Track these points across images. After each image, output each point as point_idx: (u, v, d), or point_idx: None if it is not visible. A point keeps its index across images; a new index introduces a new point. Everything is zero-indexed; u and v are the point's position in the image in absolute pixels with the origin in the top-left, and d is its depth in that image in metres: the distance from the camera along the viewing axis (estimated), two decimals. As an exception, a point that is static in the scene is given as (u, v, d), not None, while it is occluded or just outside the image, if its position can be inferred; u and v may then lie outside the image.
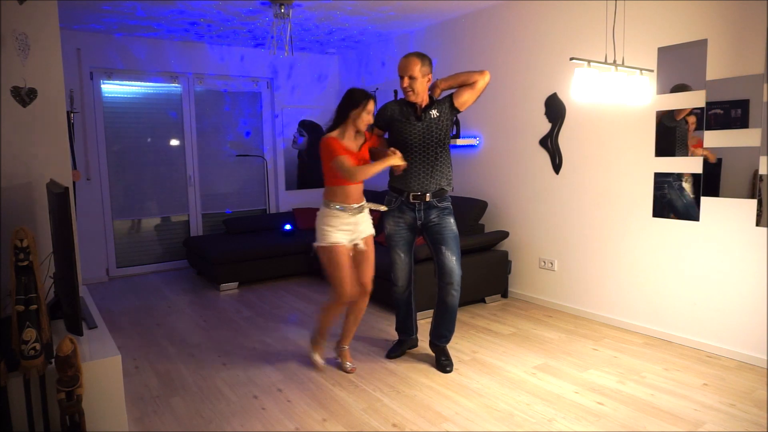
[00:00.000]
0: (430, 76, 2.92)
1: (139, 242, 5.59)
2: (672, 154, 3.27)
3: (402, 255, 3.08)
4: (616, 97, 2.76)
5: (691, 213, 3.20)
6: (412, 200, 2.95)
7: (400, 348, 3.25)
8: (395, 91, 5.42)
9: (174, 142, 5.64)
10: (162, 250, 5.70)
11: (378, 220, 3.11)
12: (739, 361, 3.05)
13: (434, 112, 2.93)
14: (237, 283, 4.93)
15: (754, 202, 2.91)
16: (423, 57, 2.88)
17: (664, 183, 3.33)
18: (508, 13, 4.26)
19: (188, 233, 5.80)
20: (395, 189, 3.01)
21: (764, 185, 2.85)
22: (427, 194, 2.94)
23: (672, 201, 3.30)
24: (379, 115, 3.01)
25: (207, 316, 4.09)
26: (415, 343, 3.33)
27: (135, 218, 5.54)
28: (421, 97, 2.91)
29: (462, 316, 3.97)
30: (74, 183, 3.81)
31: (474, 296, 4.17)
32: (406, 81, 2.86)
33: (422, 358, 3.18)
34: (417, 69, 2.85)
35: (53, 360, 1.72)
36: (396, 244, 3.06)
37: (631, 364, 3.05)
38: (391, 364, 3.12)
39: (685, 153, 3.20)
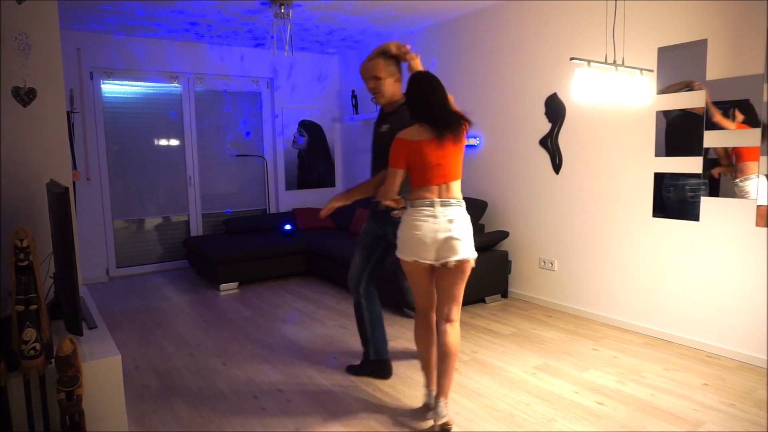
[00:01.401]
0: (398, 75, 2.68)
1: (139, 242, 5.59)
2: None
3: (359, 260, 2.86)
4: (616, 97, 2.76)
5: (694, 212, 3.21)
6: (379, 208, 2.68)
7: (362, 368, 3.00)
8: (395, 91, 5.42)
9: (174, 142, 5.64)
10: (162, 250, 5.70)
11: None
12: (739, 361, 3.05)
13: (386, 127, 2.65)
14: (237, 283, 4.93)
15: (754, 202, 2.91)
16: (387, 56, 2.66)
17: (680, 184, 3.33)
18: (508, 13, 4.26)
19: (188, 233, 5.80)
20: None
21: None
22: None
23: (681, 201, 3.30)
24: None
25: (207, 316, 4.09)
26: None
27: (135, 218, 5.54)
28: (387, 99, 2.69)
29: (462, 316, 3.97)
30: (74, 183, 3.81)
31: (474, 296, 4.17)
32: (372, 83, 2.67)
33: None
34: (382, 69, 2.64)
35: (53, 360, 1.72)
36: (359, 245, 2.87)
37: (631, 364, 3.05)
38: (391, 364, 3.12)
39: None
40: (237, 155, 5.99)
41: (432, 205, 2.29)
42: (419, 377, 2.92)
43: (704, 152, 3.10)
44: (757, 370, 2.94)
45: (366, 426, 2.43)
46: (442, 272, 2.36)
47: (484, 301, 4.29)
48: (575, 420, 2.44)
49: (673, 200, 3.28)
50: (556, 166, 4.01)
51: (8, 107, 2.31)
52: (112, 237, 5.34)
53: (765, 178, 2.87)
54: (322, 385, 2.84)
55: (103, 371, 1.89)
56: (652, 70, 3.06)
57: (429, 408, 2.47)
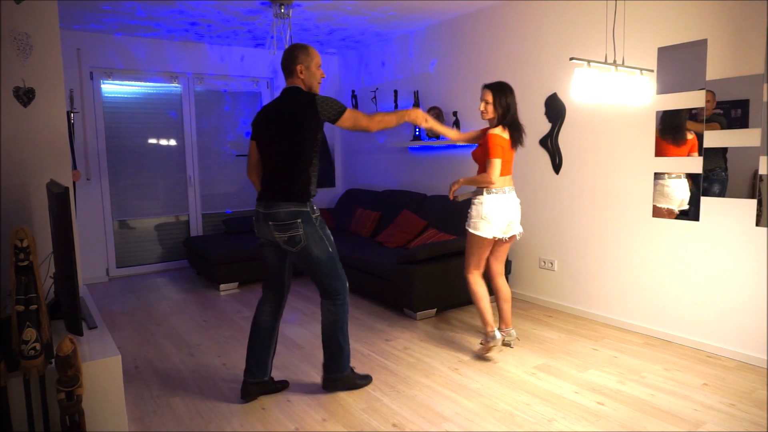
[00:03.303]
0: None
1: (139, 242, 5.59)
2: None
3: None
4: (616, 97, 2.76)
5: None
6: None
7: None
8: (395, 92, 5.42)
9: (174, 142, 5.64)
10: (162, 250, 5.70)
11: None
12: (739, 361, 3.05)
13: None
14: (237, 283, 4.93)
15: (754, 202, 2.91)
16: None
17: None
18: (508, 13, 4.26)
19: (188, 233, 5.80)
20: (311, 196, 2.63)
21: (764, 185, 2.85)
22: None
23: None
24: None
25: (207, 316, 4.09)
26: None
27: (135, 218, 5.54)
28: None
29: (462, 316, 3.98)
30: (74, 183, 3.81)
31: (474, 296, 4.17)
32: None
33: (422, 358, 3.18)
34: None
35: (53, 360, 1.72)
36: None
37: (631, 364, 3.05)
38: (391, 364, 3.12)
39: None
40: (237, 155, 5.99)
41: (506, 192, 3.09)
42: (419, 377, 2.93)
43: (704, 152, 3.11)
44: (757, 370, 2.94)
45: (366, 426, 2.43)
46: (501, 242, 3.23)
47: (484, 301, 4.29)
48: (575, 420, 2.44)
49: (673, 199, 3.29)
50: (556, 166, 4.01)
51: (8, 107, 2.31)
52: (112, 237, 5.34)
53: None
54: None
55: (103, 371, 1.88)
56: (652, 70, 3.06)
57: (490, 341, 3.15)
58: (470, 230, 3.10)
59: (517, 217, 3.15)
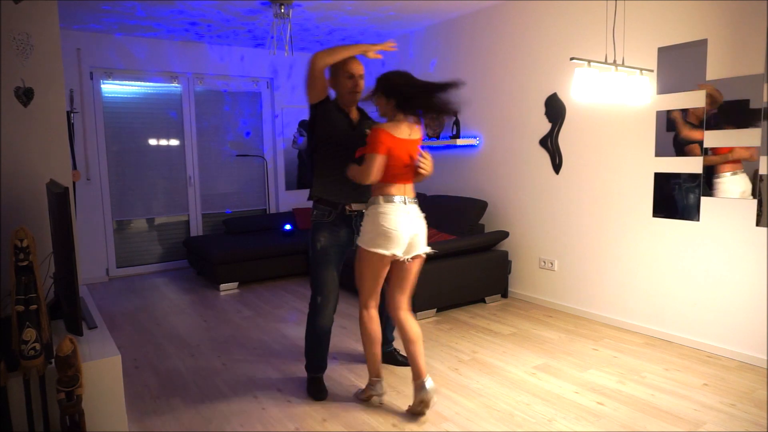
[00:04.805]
0: None
1: (139, 242, 5.59)
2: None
3: (335, 274, 2.67)
4: (616, 97, 2.76)
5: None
6: (348, 213, 2.66)
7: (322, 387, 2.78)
8: (395, 91, 5.42)
9: (174, 142, 5.64)
10: (162, 250, 5.70)
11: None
12: (739, 361, 3.05)
13: (367, 130, 2.56)
14: (237, 283, 4.93)
15: (754, 202, 2.92)
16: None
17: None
18: (508, 13, 4.27)
19: (188, 233, 5.80)
20: (327, 202, 2.65)
21: (764, 185, 2.85)
22: (363, 205, 2.64)
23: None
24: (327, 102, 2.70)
25: (207, 316, 4.09)
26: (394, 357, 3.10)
27: (135, 218, 5.54)
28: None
29: (462, 316, 3.98)
30: (74, 183, 3.81)
31: (474, 296, 4.18)
32: (359, 81, 2.76)
33: (422, 358, 3.18)
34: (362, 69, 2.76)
35: (53, 360, 1.72)
36: (330, 260, 2.65)
37: (631, 364, 3.05)
38: (391, 364, 3.11)
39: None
40: (237, 155, 5.99)
41: (404, 201, 2.45)
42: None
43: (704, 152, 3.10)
44: (757, 370, 2.94)
45: (366, 426, 2.43)
46: (403, 265, 2.51)
47: (484, 301, 4.29)
48: (575, 420, 2.44)
49: (675, 200, 3.28)
50: (556, 166, 4.01)
51: (8, 107, 2.31)
52: (112, 237, 5.34)
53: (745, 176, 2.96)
54: (322, 385, 2.84)
55: (103, 371, 1.88)
56: (652, 70, 3.06)
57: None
58: (365, 247, 2.43)
59: (422, 231, 2.49)
